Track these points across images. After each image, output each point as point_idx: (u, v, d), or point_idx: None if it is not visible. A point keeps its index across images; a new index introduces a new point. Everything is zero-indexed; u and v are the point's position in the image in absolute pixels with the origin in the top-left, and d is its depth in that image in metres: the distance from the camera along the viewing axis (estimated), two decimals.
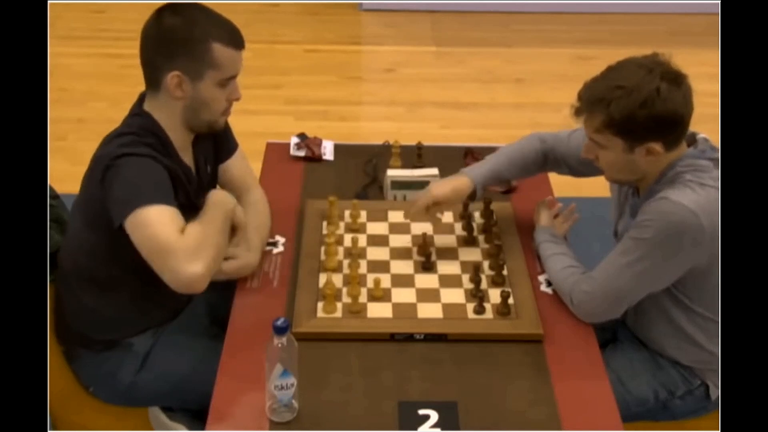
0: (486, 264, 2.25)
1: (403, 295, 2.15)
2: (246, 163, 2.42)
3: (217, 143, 2.31)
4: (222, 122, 2.21)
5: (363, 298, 2.13)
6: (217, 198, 2.15)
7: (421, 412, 1.85)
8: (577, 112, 2.03)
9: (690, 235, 1.94)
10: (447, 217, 2.40)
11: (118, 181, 2.00)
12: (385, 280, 2.18)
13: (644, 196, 2.07)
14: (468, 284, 2.18)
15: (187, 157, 2.20)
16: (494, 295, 2.14)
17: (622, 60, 2.02)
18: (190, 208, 2.10)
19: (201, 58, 2.06)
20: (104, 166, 2.01)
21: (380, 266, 2.24)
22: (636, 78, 1.94)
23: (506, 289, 2.11)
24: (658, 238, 1.96)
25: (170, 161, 2.11)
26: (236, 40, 2.10)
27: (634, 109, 1.93)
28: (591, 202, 2.91)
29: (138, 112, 2.14)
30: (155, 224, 1.96)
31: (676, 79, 1.96)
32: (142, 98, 2.17)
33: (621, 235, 2.14)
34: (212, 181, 2.34)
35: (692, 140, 2.07)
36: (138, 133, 2.08)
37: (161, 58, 2.07)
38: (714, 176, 1.99)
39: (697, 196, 1.95)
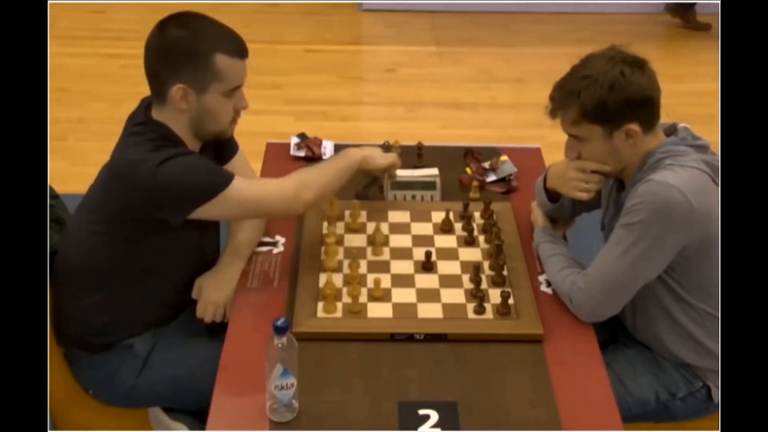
0: (486, 264, 2.25)
1: (403, 295, 2.15)
2: (247, 164, 2.41)
3: (217, 147, 2.30)
4: (230, 131, 2.20)
5: (363, 298, 2.12)
6: (346, 151, 2.33)
7: (421, 412, 1.85)
8: (552, 112, 2.09)
9: (679, 212, 1.96)
10: (444, 216, 2.40)
11: (177, 180, 2.01)
12: (385, 280, 2.18)
13: (628, 188, 2.10)
14: (468, 284, 2.18)
15: None
16: (494, 295, 2.14)
17: (583, 57, 2.10)
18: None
19: (205, 71, 2.05)
20: (148, 172, 1.99)
21: (380, 266, 2.24)
22: (599, 66, 2.03)
23: (506, 289, 2.11)
24: (649, 218, 1.98)
25: None
26: (240, 50, 2.09)
27: (603, 94, 2.00)
28: None
29: (145, 120, 2.11)
30: (249, 187, 2.11)
31: (637, 63, 2.04)
32: (146, 106, 2.15)
33: (608, 226, 2.17)
34: None
35: (673, 130, 2.11)
36: (160, 138, 2.06)
37: (165, 70, 2.05)
38: (695, 158, 2.03)
39: (679, 176, 1.99)
